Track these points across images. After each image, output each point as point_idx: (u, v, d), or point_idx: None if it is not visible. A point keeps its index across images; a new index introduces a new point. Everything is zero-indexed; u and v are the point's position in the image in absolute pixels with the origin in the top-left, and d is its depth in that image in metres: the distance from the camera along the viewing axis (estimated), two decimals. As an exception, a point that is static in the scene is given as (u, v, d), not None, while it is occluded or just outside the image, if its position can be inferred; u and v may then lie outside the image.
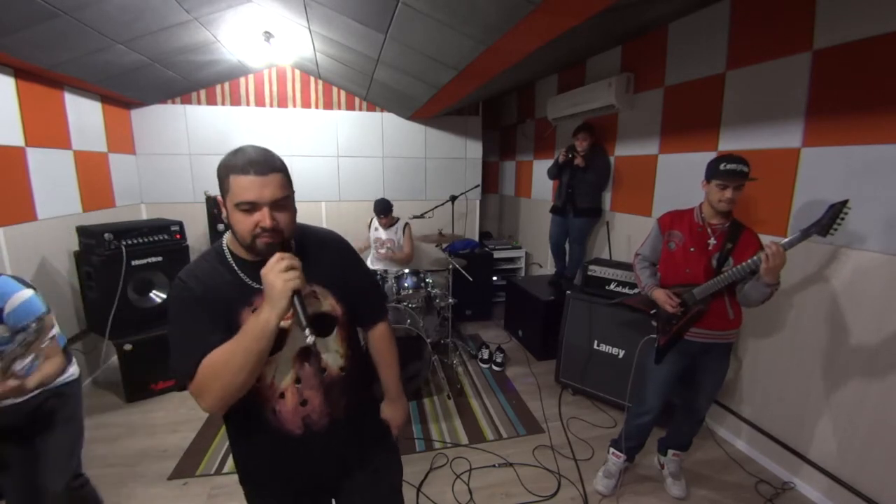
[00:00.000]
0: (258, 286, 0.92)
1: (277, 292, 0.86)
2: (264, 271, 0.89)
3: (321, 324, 1.06)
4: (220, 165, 0.94)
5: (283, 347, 1.00)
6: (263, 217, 0.92)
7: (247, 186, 0.90)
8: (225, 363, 0.88)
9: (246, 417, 1.04)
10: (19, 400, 1.52)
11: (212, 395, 0.90)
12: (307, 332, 0.87)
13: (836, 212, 1.63)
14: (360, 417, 1.18)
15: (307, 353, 1.04)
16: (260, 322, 0.87)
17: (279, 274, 0.87)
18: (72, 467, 1.69)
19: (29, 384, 1.48)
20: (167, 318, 0.97)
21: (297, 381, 1.03)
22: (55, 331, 1.60)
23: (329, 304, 1.08)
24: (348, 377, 1.11)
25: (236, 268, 1.00)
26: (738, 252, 1.87)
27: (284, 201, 0.95)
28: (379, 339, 1.28)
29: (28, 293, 1.51)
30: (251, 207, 0.92)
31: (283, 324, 0.94)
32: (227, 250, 1.03)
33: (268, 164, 0.93)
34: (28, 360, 1.56)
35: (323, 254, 1.11)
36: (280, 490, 1.12)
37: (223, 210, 0.97)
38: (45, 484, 1.57)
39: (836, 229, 1.64)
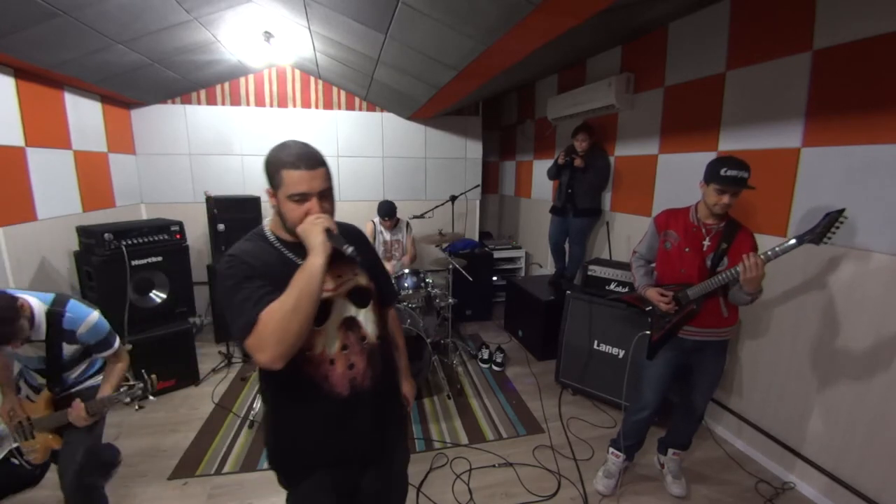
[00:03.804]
0: (302, 262, 1.03)
1: (313, 235, 1.01)
2: (299, 229, 1.04)
3: (360, 296, 1.20)
4: (270, 161, 1.06)
5: (330, 318, 1.12)
6: (313, 206, 1.05)
7: (299, 180, 1.03)
8: (281, 308, 0.96)
9: (299, 390, 1.13)
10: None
11: (271, 344, 0.95)
12: (346, 247, 1.03)
13: (832, 220, 1.62)
14: (392, 385, 1.33)
15: (350, 323, 1.17)
16: (307, 265, 1.00)
17: (310, 222, 1.03)
18: (80, 467, 1.72)
19: (105, 393, 1.69)
20: (221, 292, 1.04)
21: (344, 347, 1.15)
22: (118, 342, 1.82)
23: (364, 280, 1.22)
24: (382, 346, 1.25)
25: (282, 248, 1.12)
26: (733, 252, 1.87)
27: (328, 192, 1.10)
28: (392, 319, 1.43)
29: (96, 315, 1.71)
30: (302, 198, 1.04)
31: (326, 294, 1.10)
32: (270, 234, 1.14)
33: (314, 158, 1.06)
34: (79, 370, 1.78)
35: (351, 241, 1.22)
36: (329, 457, 1.19)
37: (272, 200, 1.09)
38: (64, 468, 1.71)
39: (830, 238, 1.64)
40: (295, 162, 1.02)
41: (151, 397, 1.74)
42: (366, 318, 1.20)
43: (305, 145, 1.07)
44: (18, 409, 1.75)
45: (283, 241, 1.13)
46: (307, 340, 1.05)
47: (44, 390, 1.76)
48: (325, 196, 1.08)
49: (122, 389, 1.71)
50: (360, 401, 1.17)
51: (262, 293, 0.99)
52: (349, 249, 1.03)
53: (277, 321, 0.95)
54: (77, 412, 1.63)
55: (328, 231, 1.03)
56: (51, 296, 1.67)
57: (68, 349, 1.69)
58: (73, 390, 1.80)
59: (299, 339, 0.97)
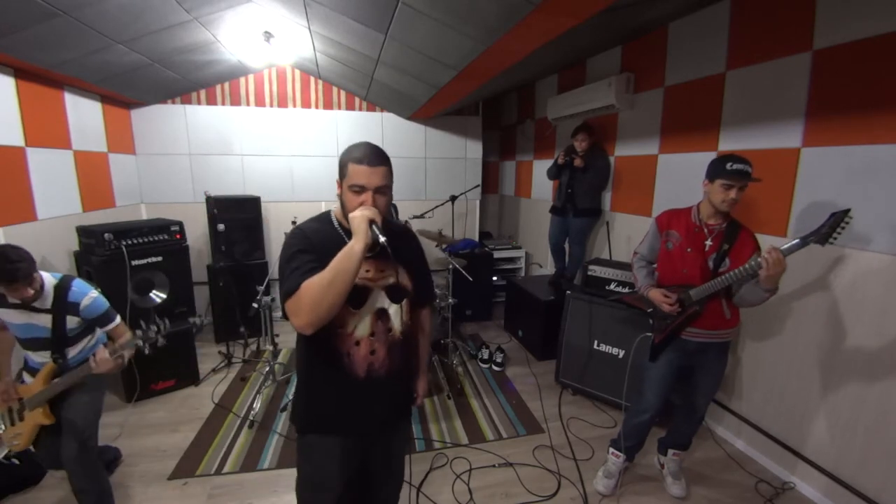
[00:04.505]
0: None
1: (357, 222, 1.13)
2: (351, 215, 1.16)
3: (396, 292, 1.31)
4: (343, 155, 1.24)
5: (366, 304, 1.25)
6: (368, 198, 1.18)
7: (360, 173, 1.18)
8: (320, 281, 1.09)
9: (325, 359, 1.26)
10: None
11: (304, 311, 1.09)
12: (381, 237, 1.13)
13: (837, 221, 1.60)
14: (406, 378, 1.45)
15: (381, 314, 1.29)
16: (348, 248, 1.11)
17: (359, 212, 1.15)
18: (84, 436, 1.85)
19: (127, 357, 1.88)
20: (282, 255, 1.20)
21: (372, 334, 1.28)
22: (118, 318, 2.02)
23: (404, 279, 1.33)
24: (405, 342, 1.36)
25: (341, 232, 1.27)
26: (734, 253, 1.87)
27: (385, 189, 1.22)
28: (425, 317, 1.57)
29: (95, 293, 1.92)
30: (360, 190, 1.18)
31: (367, 283, 1.24)
32: (334, 219, 1.31)
33: (378, 158, 1.20)
34: (79, 347, 1.94)
35: (401, 242, 1.36)
36: (341, 428, 1.31)
37: (338, 189, 1.26)
38: (63, 445, 1.83)
39: (835, 238, 1.62)
40: (360, 158, 1.18)
41: (162, 339, 1.88)
42: (395, 313, 1.31)
43: (374, 146, 1.22)
44: (12, 392, 1.85)
45: (343, 226, 1.28)
46: (342, 319, 1.20)
47: (42, 368, 1.85)
48: (381, 192, 1.21)
49: (137, 333, 1.85)
50: (373, 386, 1.29)
51: (309, 266, 1.13)
52: (382, 240, 1.14)
53: (314, 291, 1.08)
54: (101, 355, 1.77)
55: (372, 221, 1.15)
56: (59, 274, 1.89)
57: (71, 321, 1.86)
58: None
59: (331, 311, 1.09)
